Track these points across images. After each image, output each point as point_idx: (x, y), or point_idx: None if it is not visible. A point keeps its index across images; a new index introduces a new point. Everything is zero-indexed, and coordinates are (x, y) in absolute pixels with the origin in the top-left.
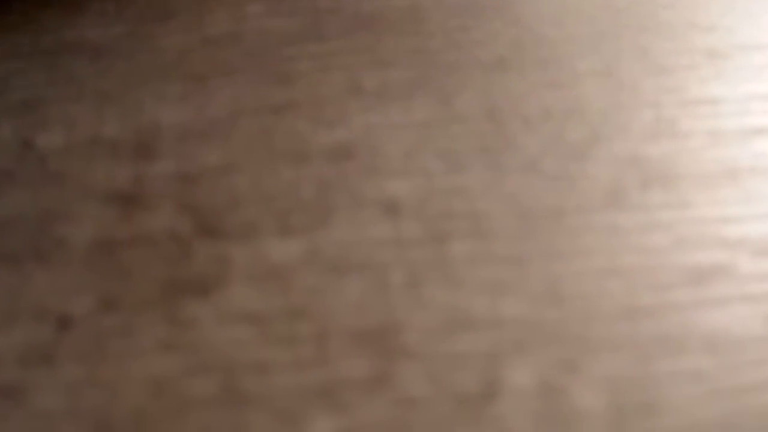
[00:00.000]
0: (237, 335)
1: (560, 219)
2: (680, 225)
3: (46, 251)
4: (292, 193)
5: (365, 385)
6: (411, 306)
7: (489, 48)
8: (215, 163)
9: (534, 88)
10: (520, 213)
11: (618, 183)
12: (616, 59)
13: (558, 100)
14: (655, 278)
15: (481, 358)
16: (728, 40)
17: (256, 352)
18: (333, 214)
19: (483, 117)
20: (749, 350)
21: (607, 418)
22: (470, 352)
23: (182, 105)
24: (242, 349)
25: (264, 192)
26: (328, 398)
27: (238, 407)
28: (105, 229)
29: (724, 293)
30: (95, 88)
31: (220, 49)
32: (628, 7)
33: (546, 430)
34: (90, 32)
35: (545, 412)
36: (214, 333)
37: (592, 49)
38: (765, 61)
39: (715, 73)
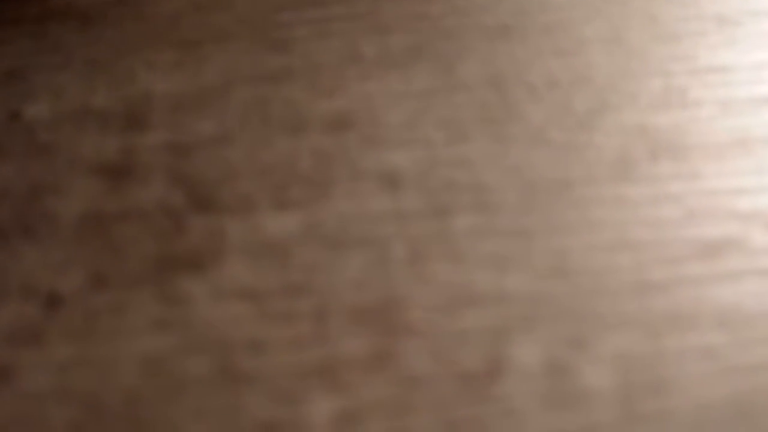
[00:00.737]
0: (232, 312)
1: (567, 191)
2: (691, 197)
3: (34, 226)
4: (289, 165)
5: (366, 364)
6: (413, 282)
7: (492, 14)
8: (209, 134)
9: (539, 55)
10: (525, 185)
11: (626, 154)
12: (624, 25)
13: (564, 67)
14: (665, 252)
15: (486, 335)
16: (739, 6)
17: (253, 329)
18: (331, 186)
19: (486, 85)
20: (762, 326)
21: (615, 396)
22: (474, 329)
23: (174, 73)
24: (238, 327)
25: (260, 164)
26: (328, 377)
27: (234, 387)
28: (95, 203)
29: (736, 267)
30: (84, 56)
31: (212, 15)
32: None
33: (553, 409)
34: None
35: (552, 391)
36: (209, 310)
37: (599, 15)
38: None
39: (725, 40)
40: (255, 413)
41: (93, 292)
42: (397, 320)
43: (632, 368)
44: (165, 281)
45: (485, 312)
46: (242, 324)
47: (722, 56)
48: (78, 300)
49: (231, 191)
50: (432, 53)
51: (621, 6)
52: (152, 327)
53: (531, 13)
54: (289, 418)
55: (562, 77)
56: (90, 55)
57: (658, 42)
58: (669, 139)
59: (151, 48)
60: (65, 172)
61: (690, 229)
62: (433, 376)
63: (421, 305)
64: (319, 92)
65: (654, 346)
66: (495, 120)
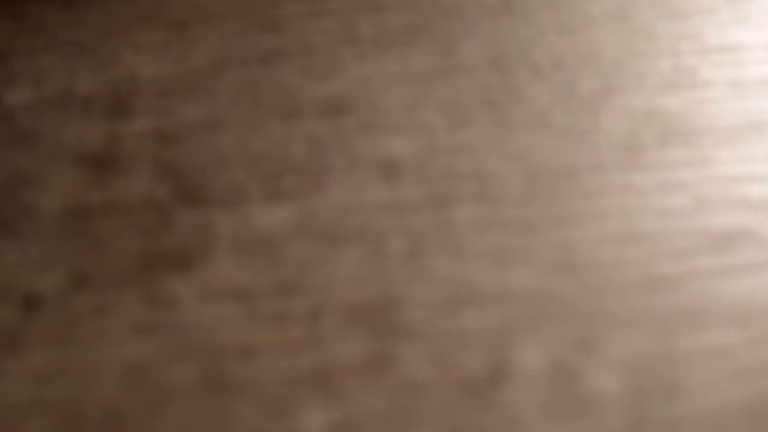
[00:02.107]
0: (221, 314)
1: (572, 179)
2: (701, 185)
3: (12, 221)
4: (282, 153)
5: (362, 370)
6: (412, 279)
7: None
8: (197, 120)
9: (543, 34)
10: (529, 173)
11: (634, 139)
12: (631, 2)
13: (569, 47)
14: (675, 244)
15: (488, 337)
16: None
17: (243, 333)
18: (326, 176)
19: (488, 66)
20: None
21: (624, 401)
22: (476, 330)
23: (161, 56)
24: (227, 330)
25: (251, 152)
26: (322, 384)
27: (222, 396)
28: (77, 196)
29: (750, 260)
30: (67, 38)
31: None
32: None
33: (558, 416)
34: None
35: (557, 397)
36: (196, 312)
37: None
38: None
39: (735, 17)
40: (245, 424)
41: (74, 293)
42: (395, 321)
43: (641, 371)
44: (150, 281)
45: (487, 311)
46: (231, 327)
47: (732, 34)
48: (58, 302)
49: (220, 182)
50: (431, 32)
51: None
52: (136, 331)
53: None
54: (282, 429)
55: (567, 57)
56: (73, 36)
57: (666, 19)
58: (678, 123)
59: (137, 29)
60: (46, 163)
61: (701, 219)
62: (432, 382)
63: (420, 304)
64: (314, 75)
65: (664, 347)
66: (497, 103)
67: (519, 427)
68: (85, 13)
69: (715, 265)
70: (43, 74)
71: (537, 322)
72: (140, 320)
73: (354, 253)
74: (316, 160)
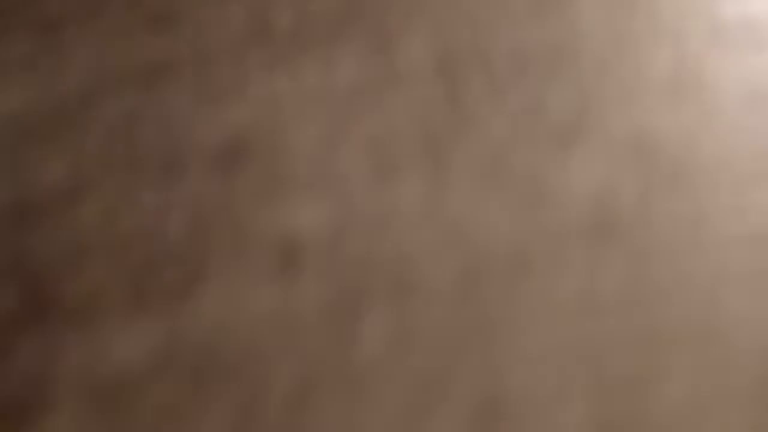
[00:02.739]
0: None
1: (523, 272)
2: None
3: None
4: (156, 232)
5: None
6: None
7: None
8: (59, 183)
9: (507, 17)
10: (466, 264)
11: (608, 192)
12: None
13: (544, 37)
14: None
15: None
16: None
17: None
18: (206, 271)
19: (433, 72)
20: None
21: None
22: None
23: (25, 77)
24: None
25: (118, 232)
26: None
27: None
28: None
29: None
30: None
31: None
32: None
33: None
34: None
35: None
36: None
37: None
38: None
39: None
40: None
41: None
42: None
43: None
44: None
45: None
46: None
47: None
48: None
49: (79, 284)
50: (364, 23)
51: None
52: None
53: None
54: None
55: (538, 55)
56: None
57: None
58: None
59: None
60: None
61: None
62: None
63: None
64: (209, 97)
65: None
66: (439, 137)
67: None
68: None
69: None
70: None
71: None
72: None
73: (222, 407)
74: (196, 243)
